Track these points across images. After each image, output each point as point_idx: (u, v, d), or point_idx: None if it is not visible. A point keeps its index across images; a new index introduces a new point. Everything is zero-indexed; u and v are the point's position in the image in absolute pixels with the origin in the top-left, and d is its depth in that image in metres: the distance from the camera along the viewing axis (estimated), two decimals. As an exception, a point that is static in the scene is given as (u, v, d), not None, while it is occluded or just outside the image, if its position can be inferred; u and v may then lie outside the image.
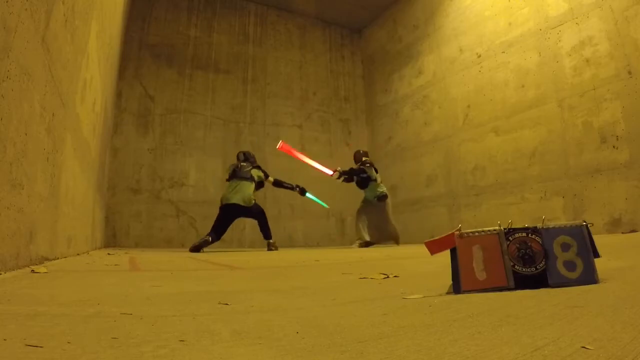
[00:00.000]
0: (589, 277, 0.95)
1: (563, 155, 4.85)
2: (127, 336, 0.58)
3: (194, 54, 7.23)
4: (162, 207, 6.43)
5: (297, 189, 5.37)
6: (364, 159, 5.90)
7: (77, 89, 2.48)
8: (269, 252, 4.45)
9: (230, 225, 4.81)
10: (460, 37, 6.44)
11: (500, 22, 5.79)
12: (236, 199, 4.69)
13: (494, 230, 0.99)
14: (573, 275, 0.95)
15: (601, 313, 0.65)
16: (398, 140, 7.61)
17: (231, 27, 7.73)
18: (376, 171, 5.78)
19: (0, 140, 1.17)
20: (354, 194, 8.16)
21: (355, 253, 3.55)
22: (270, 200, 7.02)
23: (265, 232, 4.96)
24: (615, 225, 4.25)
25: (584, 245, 0.96)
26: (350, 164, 6.09)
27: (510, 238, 0.98)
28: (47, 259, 1.94)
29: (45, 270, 1.51)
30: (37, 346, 0.51)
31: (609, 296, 0.80)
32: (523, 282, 0.94)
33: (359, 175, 5.67)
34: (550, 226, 0.98)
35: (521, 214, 5.19)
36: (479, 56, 6.08)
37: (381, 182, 5.83)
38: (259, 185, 5.01)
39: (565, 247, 0.96)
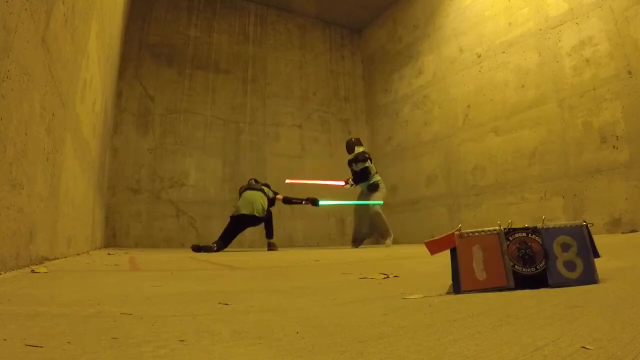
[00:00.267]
0: (589, 277, 0.95)
1: (563, 155, 4.85)
2: (127, 336, 0.58)
3: (194, 54, 7.23)
4: (162, 207, 6.43)
5: (308, 202, 5.32)
6: (357, 149, 5.63)
7: (77, 89, 2.48)
8: (269, 252, 4.45)
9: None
10: (460, 37, 6.44)
11: (500, 22, 5.79)
12: (248, 209, 4.71)
13: (494, 230, 0.99)
14: (573, 275, 0.95)
15: (601, 313, 0.65)
16: (398, 140, 7.61)
17: (231, 27, 7.73)
18: (370, 161, 5.62)
19: (0, 140, 1.17)
20: (354, 195, 8.17)
21: (355, 253, 3.55)
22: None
23: (269, 230, 4.98)
24: (615, 225, 4.25)
25: (584, 245, 0.96)
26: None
27: (510, 238, 0.98)
28: (47, 259, 1.94)
29: (45, 270, 1.51)
30: (37, 346, 0.51)
31: (609, 296, 0.80)
32: (523, 282, 0.95)
33: (362, 178, 5.51)
34: (550, 226, 0.98)
35: (521, 214, 5.19)
36: (479, 56, 6.08)
37: (376, 173, 5.64)
38: (271, 201, 5.05)
39: (565, 247, 0.96)
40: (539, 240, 0.97)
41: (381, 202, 5.47)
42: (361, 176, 5.54)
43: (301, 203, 5.31)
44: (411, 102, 7.39)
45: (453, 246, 0.99)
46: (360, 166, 5.49)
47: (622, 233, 4.09)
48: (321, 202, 5.46)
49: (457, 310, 0.75)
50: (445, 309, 0.78)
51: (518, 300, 0.82)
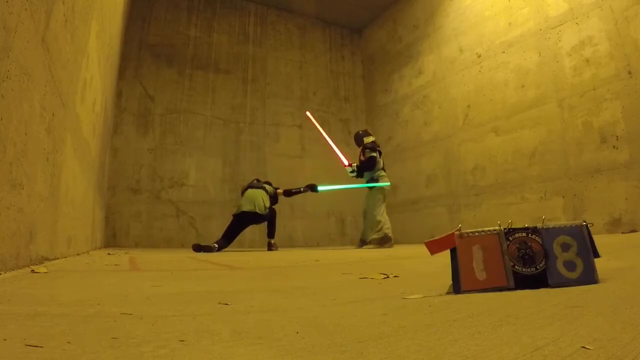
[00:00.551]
0: (589, 277, 0.95)
1: (563, 155, 4.85)
2: (127, 336, 0.58)
3: (194, 54, 7.22)
4: (162, 207, 6.42)
5: (307, 189, 5.29)
6: (365, 139, 5.40)
7: (77, 89, 2.48)
8: (269, 252, 4.45)
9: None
10: (460, 37, 6.44)
11: (500, 22, 5.79)
12: (249, 207, 4.75)
13: (494, 230, 0.99)
14: (573, 275, 0.95)
15: (601, 313, 0.65)
16: (398, 140, 7.61)
17: (231, 27, 7.73)
18: (379, 154, 5.32)
19: (0, 140, 1.17)
20: (354, 194, 8.17)
21: (355, 253, 3.55)
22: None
23: (271, 230, 4.99)
24: (615, 225, 4.25)
25: (584, 245, 0.96)
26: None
27: (510, 238, 0.98)
28: (47, 259, 1.94)
29: (45, 270, 1.51)
30: (37, 346, 0.51)
31: (609, 296, 0.80)
32: (523, 282, 0.95)
33: (368, 166, 5.20)
34: (550, 226, 0.98)
35: (521, 214, 5.19)
36: (479, 56, 6.08)
37: (382, 169, 5.31)
38: (273, 199, 5.09)
39: (565, 247, 0.96)
40: (539, 240, 0.97)
41: (388, 183, 5.20)
42: (366, 165, 5.23)
43: (300, 192, 5.26)
44: (411, 102, 7.39)
45: (453, 246, 0.99)
46: (367, 154, 5.24)
47: (622, 233, 4.09)
48: (320, 188, 5.38)
49: (457, 310, 0.75)
50: (445, 309, 0.78)
51: (518, 300, 0.82)
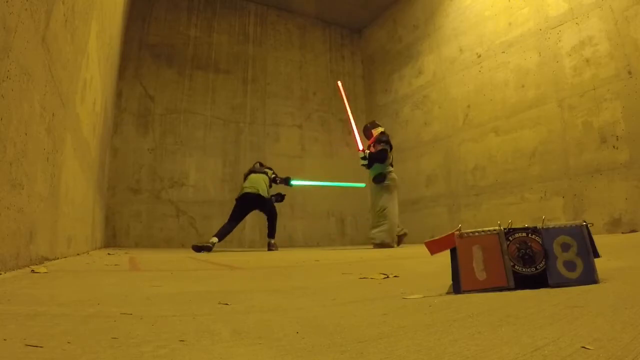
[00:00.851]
0: (589, 277, 0.95)
1: (563, 155, 4.85)
2: (127, 336, 0.58)
3: (194, 54, 7.23)
4: (162, 207, 6.42)
5: (282, 181, 5.25)
6: (374, 131, 5.21)
7: (77, 89, 2.48)
8: (269, 252, 4.45)
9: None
10: (460, 37, 6.44)
11: (500, 22, 5.79)
12: (250, 189, 4.85)
13: (494, 230, 0.99)
14: (573, 275, 0.95)
15: (601, 313, 0.65)
16: (398, 140, 7.59)
17: (231, 27, 7.73)
18: (390, 148, 5.09)
19: (0, 140, 1.17)
20: (354, 194, 8.17)
21: (355, 253, 3.55)
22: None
23: (271, 230, 5.01)
24: (615, 225, 4.25)
25: (584, 245, 0.96)
26: (350, 164, 6.01)
27: (510, 238, 0.98)
28: (47, 259, 1.94)
29: (45, 270, 1.51)
30: (37, 346, 0.51)
31: (609, 296, 0.80)
32: (523, 282, 0.94)
33: (379, 158, 4.97)
34: (550, 226, 0.98)
35: (521, 214, 5.19)
36: (479, 56, 6.08)
37: (390, 165, 5.08)
38: (274, 182, 5.14)
39: (565, 247, 0.96)
40: (539, 240, 0.97)
41: (362, 185, 5.16)
42: (377, 157, 4.97)
43: (277, 182, 5.21)
44: (411, 102, 7.39)
45: (453, 246, 0.99)
46: (378, 147, 5.01)
47: (622, 233, 4.09)
48: (293, 182, 5.36)
49: (457, 310, 0.75)
50: (445, 309, 0.78)
51: (518, 300, 0.82)
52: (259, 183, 4.92)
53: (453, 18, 6.62)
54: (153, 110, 6.68)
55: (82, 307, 0.83)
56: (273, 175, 5.20)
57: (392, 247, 4.74)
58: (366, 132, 5.40)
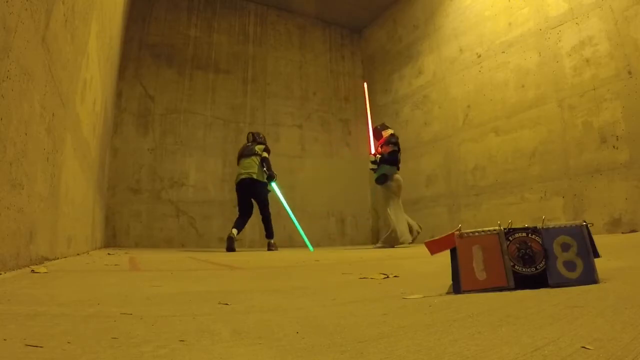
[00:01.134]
0: (589, 277, 0.95)
1: (563, 155, 4.85)
2: (127, 336, 0.58)
3: (194, 54, 7.22)
4: (162, 207, 6.42)
5: (269, 176, 5.07)
6: (385, 133, 5.26)
7: (77, 89, 2.48)
8: (269, 252, 4.45)
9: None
10: (460, 37, 6.44)
11: (500, 22, 5.79)
12: (244, 175, 4.91)
13: (494, 230, 0.99)
14: (573, 275, 0.95)
15: (601, 313, 0.65)
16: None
17: (231, 27, 7.73)
18: (398, 149, 5.15)
19: (0, 140, 1.17)
20: (354, 194, 8.17)
21: (355, 253, 3.56)
22: (270, 200, 7.04)
23: (267, 229, 5.02)
24: (615, 225, 4.25)
25: (584, 245, 0.96)
26: (350, 164, 6.02)
27: (510, 238, 0.98)
28: (47, 259, 1.94)
29: (45, 270, 1.51)
30: (37, 346, 0.51)
31: (609, 296, 0.80)
32: (523, 282, 0.95)
33: (390, 160, 5.03)
34: (550, 226, 0.98)
35: (521, 214, 5.19)
36: (479, 56, 6.08)
37: (396, 165, 5.15)
38: (265, 160, 5.02)
39: (565, 247, 0.96)
40: (539, 240, 0.97)
41: (311, 248, 5.29)
42: (388, 159, 5.03)
43: (263, 168, 5.05)
44: (411, 102, 7.39)
45: (453, 246, 0.99)
46: (388, 149, 5.08)
47: (622, 233, 4.09)
48: (273, 184, 5.19)
49: (457, 310, 0.75)
50: (445, 309, 0.78)
51: (518, 300, 0.82)
52: (251, 166, 4.93)
53: (453, 18, 6.62)
54: (153, 110, 6.68)
55: (82, 307, 0.83)
56: (265, 154, 5.03)
57: (395, 243, 4.89)
58: (376, 134, 5.44)
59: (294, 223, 5.41)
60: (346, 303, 0.91)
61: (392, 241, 4.85)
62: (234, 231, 4.62)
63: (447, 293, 0.97)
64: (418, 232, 4.99)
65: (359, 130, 8.47)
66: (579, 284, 0.94)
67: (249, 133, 5.48)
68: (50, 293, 1.02)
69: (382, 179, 5.05)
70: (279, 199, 5.32)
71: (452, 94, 6.53)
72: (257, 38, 7.96)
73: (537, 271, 0.95)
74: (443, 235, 1.01)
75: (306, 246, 5.25)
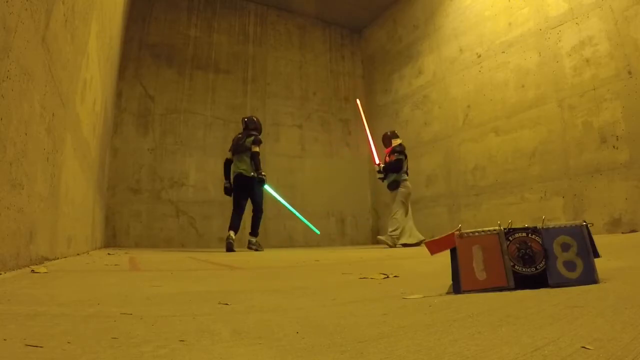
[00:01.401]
0: (589, 277, 0.95)
1: (563, 155, 4.85)
2: (127, 336, 0.58)
3: (194, 54, 7.22)
4: (162, 207, 6.42)
5: (260, 179, 4.93)
6: (394, 142, 5.44)
7: (77, 89, 2.48)
8: (269, 252, 4.45)
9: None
10: (460, 37, 6.44)
11: (500, 22, 5.79)
12: (237, 172, 4.88)
13: (494, 230, 0.99)
14: (573, 275, 0.95)
15: (601, 313, 0.65)
16: (398, 140, 7.61)
17: (231, 27, 7.73)
18: (405, 158, 5.39)
19: (0, 140, 1.17)
20: (354, 194, 8.17)
21: (355, 253, 3.56)
22: (270, 200, 7.03)
23: (253, 226, 4.91)
24: (615, 225, 4.25)
25: (584, 245, 0.96)
26: (350, 164, 6.02)
27: (510, 238, 0.98)
28: (47, 259, 1.94)
29: (45, 270, 1.51)
30: (37, 346, 0.51)
31: (609, 296, 0.80)
32: (523, 282, 0.94)
33: (394, 168, 5.29)
34: (550, 226, 0.98)
35: (521, 214, 5.19)
36: (479, 56, 6.08)
37: (404, 172, 5.37)
38: (254, 158, 4.91)
39: (565, 247, 0.96)
40: (539, 240, 0.97)
41: (317, 231, 5.70)
42: (393, 167, 5.31)
43: (256, 170, 4.93)
44: (411, 102, 7.39)
45: (453, 246, 0.99)
46: (395, 157, 5.30)
47: (622, 233, 4.09)
48: (266, 186, 5.14)
49: (457, 310, 0.75)
50: (445, 309, 0.78)
51: (518, 300, 0.82)
52: (243, 163, 4.90)
53: (453, 18, 6.62)
54: (153, 110, 6.68)
55: (82, 307, 0.83)
56: (255, 148, 4.90)
57: (395, 244, 5.09)
58: (385, 141, 5.62)
59: (294, 213, 5.47)
60: (346, 303, 0.91)
61: (394, 240, 5.06)
62: (232, 233, 4.55)
63: (447, 293, 0.97)
64: (418, 243, 5.06)
65: (359, 131, 8.47)
66: (579, 284, 0.94)
67: (242, 119, 5.29)
68: (50, 293, 1.02)
69: (394, 185, 5.32)
70: (275, 198, 5.35)
71: (452, 94, 6.53)
72: (257, 38, 7.96)
73: (537, 271, 0.95)
74: (443, 235, 1.01)
75: (311, 232, 5.39)
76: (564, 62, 4.92)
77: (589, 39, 4.65)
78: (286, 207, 5.80)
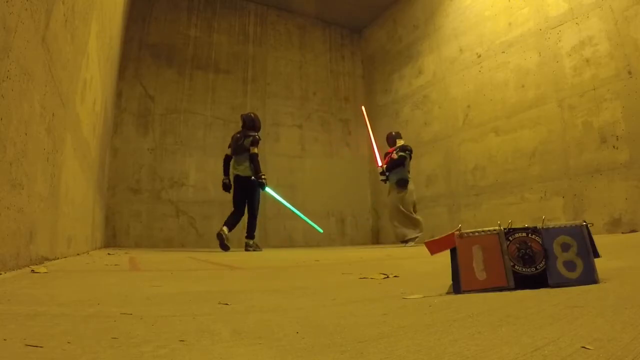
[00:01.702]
0: (589, 277, 0.95)
1: (563, 155, 4.85)
2: (127, 336, 0.58)
3: (194, 54, 7.22)
4: (162, 207, 6.42)
5: (259, 183, 4.86)
6: (398, 142, 5.53)
7: (77, 89, 2.48)
8: (269, 252, 4.45)
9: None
10: (460, 37, 6.44)
11: (500, 22, 5.79)
12: (236, 171, 4.90)
13: (494, 230, 0.99)
14: (573, 275, 0.95)
15: (601, 313, 0.65)
16: (398, 140, 7.60)
17: (231, 27, 7.73)
18: (409, 157, 5.46)
19: (0, 140, 1.17)
20: (354, 194, 8.17)
21: (355, 253, 3.56)
22: (270, 200, 7.02)
23: (249, 229, 4.87)
24: (615, 225, 4.25)
25: (584, 245, 0.96)
26: (350, 164, 6.03)
27: (510, 238, 0.98)
28: (47, 259, 1.94)
29: (45, 270, 1.51)
30: (37, 346, 0.51)
31: (609, 296, 0.80)
32: (523, 282, 0.94)
33: (396, 164, 5.36)
34: (550, 226, 0.98)
35: (521, 214, 5.18)
36: (479, 56, 6.08)
37: (408, 172, 5.47)
38: (253, 160, 4.87)
39: (565, 247, 0.96)
40: (539, 240, 0.97)
41: (320, 230, 5.80)
42: (396, 163, 5.37)
43: (255, 174, 4.87)
44: (411, 102, 7.39)
45: (453, 246, 0.99)
46: (400, 155, 5.37)
47: (622, 233, 4.09)
48: (267, 189, 5.11)
49: (457, 310, 0.75)
50: (445, 309, 0.78)
51: (518, 300, 0.82)
52: (242, 164, 4.89)
53: (453, 18, 6.62)
54: (153, 110, 6.68)
55: (82, 307, 0.83)
56: (253, 150, 4.84)
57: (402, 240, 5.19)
58: (389, 140, 5.67)
59: (297, 214, 5.48)
60: (346, 303, 0.91)
61: (402, 236, 5.16)
62: (225, 229, 4.51)
63: (447, 293, 0.97)
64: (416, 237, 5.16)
65: (359, 131, 8.47)
66: (579, 284, 0.94)
67: (241, 116, 5.22)
68: (50, 293, 1.02)
69: (402, 183, 5.32)
70: (275, 199, 5.36)
71: (452, 94, 6.53)
72: (257, 38, 7.96)
73: (537, 271, 0.95)
74: (443, 235, 1.01)
75: (315, 232, 5.59)
76: (564, 62, 4.92)
77: (589, 39, 4.65)
78: (287, 208, 5.80)
